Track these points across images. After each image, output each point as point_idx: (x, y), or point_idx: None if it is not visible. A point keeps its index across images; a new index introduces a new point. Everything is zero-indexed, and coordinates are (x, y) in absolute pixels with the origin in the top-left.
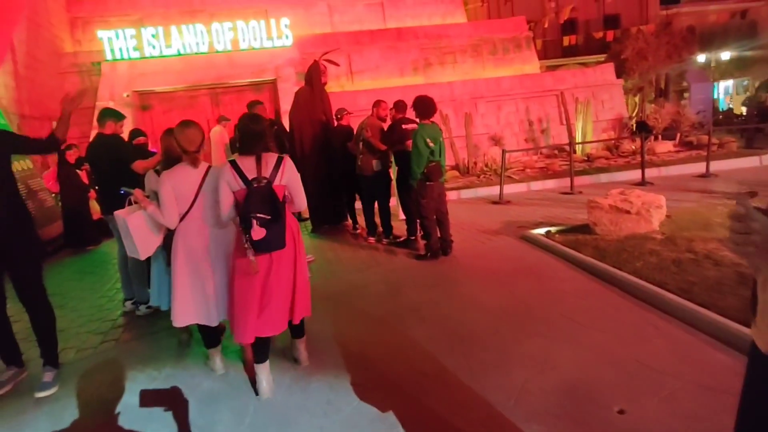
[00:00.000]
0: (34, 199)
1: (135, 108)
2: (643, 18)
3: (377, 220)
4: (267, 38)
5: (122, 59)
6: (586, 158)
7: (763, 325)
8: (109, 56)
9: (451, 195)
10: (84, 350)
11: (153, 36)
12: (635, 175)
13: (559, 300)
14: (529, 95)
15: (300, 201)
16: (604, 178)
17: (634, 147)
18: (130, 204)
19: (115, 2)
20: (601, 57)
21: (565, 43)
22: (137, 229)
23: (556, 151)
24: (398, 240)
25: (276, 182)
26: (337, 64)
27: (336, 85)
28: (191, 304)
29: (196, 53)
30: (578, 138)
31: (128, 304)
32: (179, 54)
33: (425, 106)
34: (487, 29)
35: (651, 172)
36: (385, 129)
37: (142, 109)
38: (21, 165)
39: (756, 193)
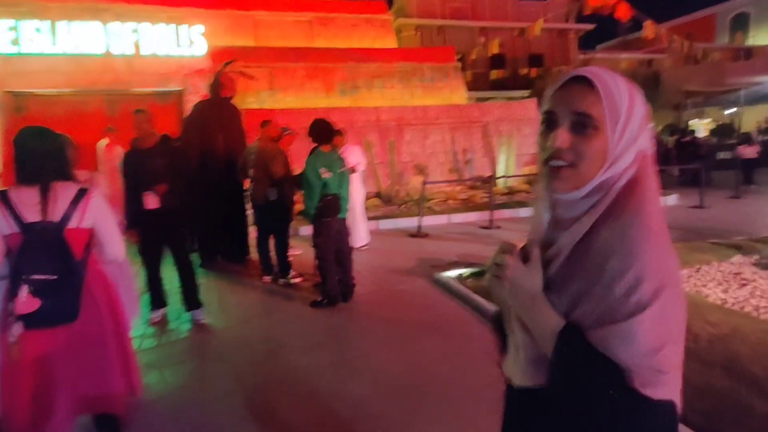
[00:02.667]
0: None
1: (7, 111)
2: (564, 59)
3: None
4: (175, 45)
5: None
6: (507, 191)
7: (517, 361)
8: None
9: (370, 225)
10: None
11: (37, 30)
12: None
13: (466, 367)
14: (456, 125)
15: (114, 248)
16: (522, 212)
17: None
18: None
19: None
20: (526, 92)
21: (493, 76)
22: None
23: (479, 183)
24: (292, 281)
25: (72, 225)
26: (251, 77)
27: (255, 101)
28: None
29: (88, 54)
30: (501, 170)
31: None
32: (67, 54)
33: (321, 130)
34: (416, 56)
35: None
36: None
37: (16, 113)
38: None
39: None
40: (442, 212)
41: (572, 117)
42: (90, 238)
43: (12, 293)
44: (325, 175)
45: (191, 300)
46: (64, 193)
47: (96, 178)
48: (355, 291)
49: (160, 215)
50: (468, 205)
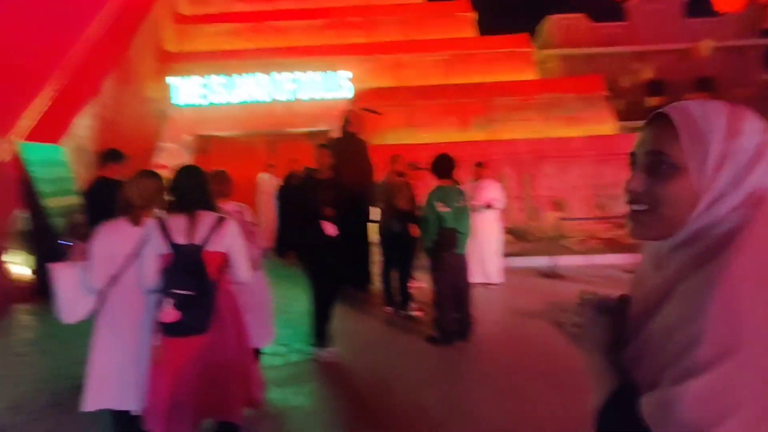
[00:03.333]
0: (75, 233)
1: (196, 151)
2: (742, 81)
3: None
4: (326, 90)
5: (189, 105)
6: None
7: None
8: (176, 101)
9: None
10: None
11: (219, 84)
12: None
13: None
14: (602, 157)
15: (242, 272)
16: None
17: None
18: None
19: (200, 55)
20: None
21: (649, 104)
22: (66, 287)
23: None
24: (412, 313)
25: (210, 248)
26: (376, 113)
27: (394, 137)
28: (107, 385)
29: (256, 101)
30: None
31: None
32: (243, 102)
33: (440, 165)
34: (558, 87)
35: None
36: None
37: (201, 153)
38: (69, 200)
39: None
40: (581, 252)
41: (647, 158)
42: (223, 261)
43: (159, 305)
44: (442, 209)
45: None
46: (205, 220)
47: (245, 209)
48: (474, 330)
49: (334, 244)
50: (612, 246)
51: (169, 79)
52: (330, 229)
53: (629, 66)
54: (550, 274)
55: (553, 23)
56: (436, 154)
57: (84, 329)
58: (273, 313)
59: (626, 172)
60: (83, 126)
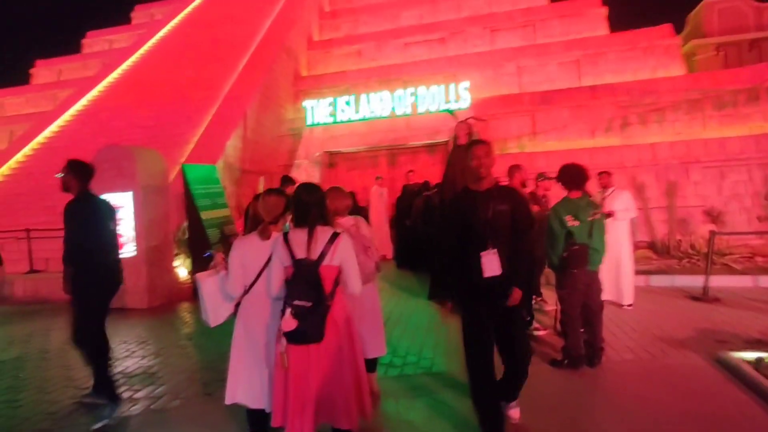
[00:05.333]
0: (225, 243)
1: (323, 166)
2: None
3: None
4: (445, 101)
5: (319, 124)
6: None
7: None
8: (309, 122)
9: (638, 280)
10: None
11: (346, 104)
12: None
13: None
14: None
15: (353, 284)
16: None
17: None
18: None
19: (328, 77)
20: None
21: None
22: (210, 294)
23: None
24: (535, 333)
25: (326, 262)
26: (483, 120)
27: (515, 145)
28: (242, 383)
29: (378, 117)
30: None
31: None
32: (365, 119)
33: (569, 175)
34: (711, 81)
35: None
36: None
37: (329, 167)
38: (221, 212)
39: None
40: (744, 272)
41: None
42: (338, 274)
43: (281, 314)
44: (572, 223)
45: (514, 391)
46: (322, 236)
47: (361, 222)
48: (604, 356)
49: (499, 285)
50: None
51: (304, 103)
52: (491, 266)
53: None
54: (702, 297)
55: (708, 8)
56: (562, 162)
57: (232, 328)
58: (383, 325)
59: None
60: (231, 146)
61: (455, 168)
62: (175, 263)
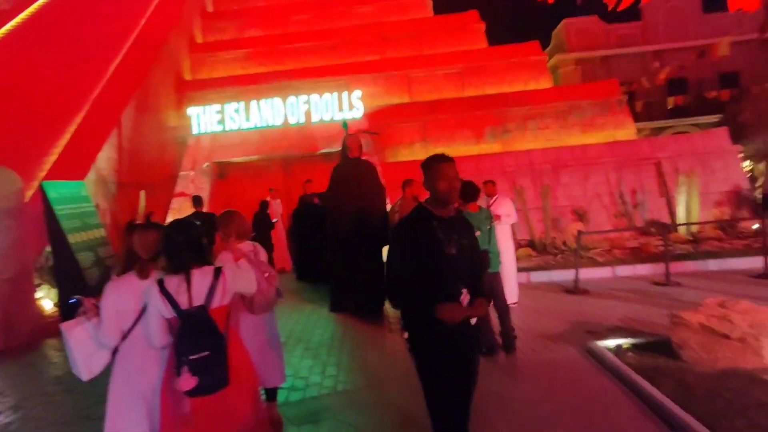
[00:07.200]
0: (101, 266)
1: (213, 177)
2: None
3: None
4: (338, 110)
5: (207, 133)
6: (690, 239)
7: None
8: (195, 130)
9: (520, 277)
10: None
11: (235, 111)
12: (755, 262)
13: None
14: (622, 163)
15: (260, 302)
16: (713, 264)
17: (757, 226)
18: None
19: (216, 81)
20: (715, 117)
21: (670, 104)
22: (79, 343)
23: (652, 229)
24: None
25: (215, 304)
26: (375, 134)
27: (409, 153)
28: None
29: (271, 126)
30: (680, 214)
31: None
32: (257, 127)
33: (468, 191)
34: (574, 94)
35: None
36: None
37: (220, 178)
38: (93, 234)
39: None
40: (606, 263)
41: None
42: (229, 312)
43: (177, 372)
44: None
45: None
46: (203, 278)
47: (259, 249)
48: (497, 355)
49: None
50: (639, 256)
51: (189, 110)
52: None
53: (648, 66)
54: (574, 290)
55: (566, 27)
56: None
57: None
58: (282, 350)
59: (647, 178)
60: (104, 158)
61: (347, 184)
62: (38, 294)
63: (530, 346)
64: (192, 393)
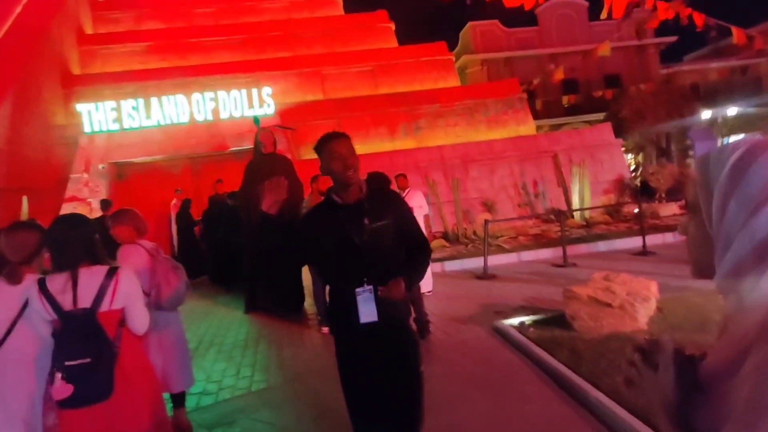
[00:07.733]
0: None
1: (111, 178)
2: (643, 77)
3: None
4: (249, 107)
5: (101, 132)
6: (584, 224)
7: None
8: (87, 129)
9: (434, 267)
10: None
11: (133, 108)
12: (636, 242)
13: None
14: (524, 157)
15: (139, 324)
16: (602, 246)
17: (637, 210)
18: None
19: (110, 76)
20: (602, 115)
21: (565, 102)
22: None
23: (552, 216)
24: None
25: (104, 308)
26: (290, 129)
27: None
28: None
29: (176, 124)
30: (576, 201)
31: None
32: (159, 125)
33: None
34: (479, 92)
35: (654, 239)
36: None
37: (119, 180)
38: None
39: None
40: (511, 250)
41: None
42: (122, 315)
43: (50, 379)
44: None
45: None
46: (92, 277)
47: (158, 247)
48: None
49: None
50: (540, 242)
51: (78, 106)
52: (367, 308)
53: (544, 67)
54: (484, 276)
55: (472, 30)
56: (367, 164)
57: None
58: (190, 353)
59: (546, 170)
60: None
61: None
62: None
63: (443, 329)
64: (66, 403)
